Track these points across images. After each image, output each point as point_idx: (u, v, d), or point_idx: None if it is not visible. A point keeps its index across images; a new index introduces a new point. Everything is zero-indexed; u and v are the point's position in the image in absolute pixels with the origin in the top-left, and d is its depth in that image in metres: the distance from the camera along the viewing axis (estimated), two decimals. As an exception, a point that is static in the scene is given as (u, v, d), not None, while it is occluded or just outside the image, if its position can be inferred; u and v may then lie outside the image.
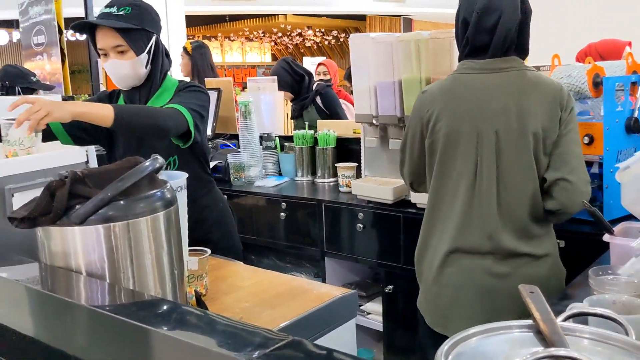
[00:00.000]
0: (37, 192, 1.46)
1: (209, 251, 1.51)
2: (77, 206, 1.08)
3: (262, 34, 13.39)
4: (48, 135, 1.85)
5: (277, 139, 3.27)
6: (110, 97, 2.03)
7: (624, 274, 1.16)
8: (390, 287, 2.53)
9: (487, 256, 1.66)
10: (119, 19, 1.79)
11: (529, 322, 0.93)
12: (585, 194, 1.62)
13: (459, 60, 1.74)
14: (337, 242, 2.68)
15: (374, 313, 2.70)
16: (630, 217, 2.01)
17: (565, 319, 0.95)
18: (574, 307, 1.02)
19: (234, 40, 13.47)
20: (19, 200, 1.42)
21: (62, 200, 1.06)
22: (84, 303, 1.01)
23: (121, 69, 1.83)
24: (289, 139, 3.30)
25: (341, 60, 12.63)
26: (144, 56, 1.84)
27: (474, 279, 1.67)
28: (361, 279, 2.91)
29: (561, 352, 0.79)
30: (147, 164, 1.16)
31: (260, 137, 3.23)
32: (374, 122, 2.47)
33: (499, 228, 1.64)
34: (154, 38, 1.87)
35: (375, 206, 2.52)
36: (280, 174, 3.26)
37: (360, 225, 2.55)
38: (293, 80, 3.74)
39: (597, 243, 1.93)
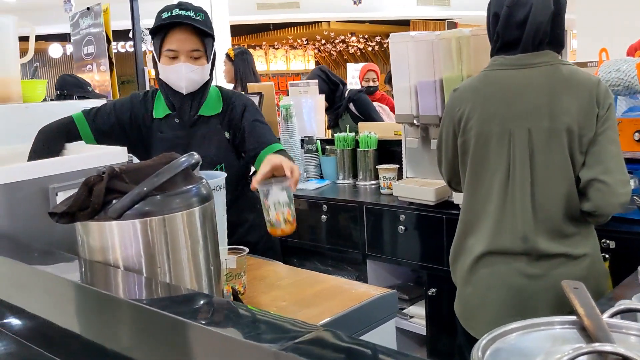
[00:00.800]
0: (80, 192, 1.50)
1: (247, 250, 1.51)
2: (114, 201, 1.10)
3: (306, 42, 13.47)
4: (75, 137, 1.87)
5: (319, 142, 3.27)
6: (145, 99, 1.97)
7: (677, 272, 1.10)
8: (434, 290, 2.49)
9: (521, 257, 1.61)
10: (200, 24, 1.78)
11: (573, 318, 0.89)
12: (622, 195, 1.54)
13: (491, 55, 1.69)
14: (378, 245, 2.65)
15: (417, 317, 2.65)
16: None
17: (611, 316, 0.90)
18: (622, 304, 0.97)
19: (278, 48, 13.60)
20: (62, 199, 1.45)
21: (99, 195, 1.07)
22: (122, 297, 1.02)
23: (193, 73, 1.80)
24: (330, 142, 3.29)
25: (385, 66, 12.57)
26: (209, 64, 1.84)
27: (506, 280, 1.63)
28: (403, 281, 2.87)
29: (606, 347, 0.75)
30: (183, 159, 1.17)
31: (302, 140, 3.23)
32: (415, 122, 2.43)
33: (533, 229, 1.58)
34: (215, 47, 1.88)
35: (417, 207, 2.48)
36: (321, 177, 3.26)
37: (402, 227, 2.51)
38: (329, 89, 3.73)
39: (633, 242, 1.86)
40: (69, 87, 3.75)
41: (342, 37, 12.92)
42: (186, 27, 1.77)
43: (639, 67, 1.89)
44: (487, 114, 1.63)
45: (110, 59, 4.36)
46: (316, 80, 3.51)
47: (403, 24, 12.16)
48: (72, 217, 1.10)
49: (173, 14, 1.78)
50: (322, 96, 3.49)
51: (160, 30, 1.82)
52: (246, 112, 1.90)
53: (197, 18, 1.79)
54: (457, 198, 2.33)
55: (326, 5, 11.01)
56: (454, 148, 1.74)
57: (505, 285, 1.62)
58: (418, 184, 2.47)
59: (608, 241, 1.74)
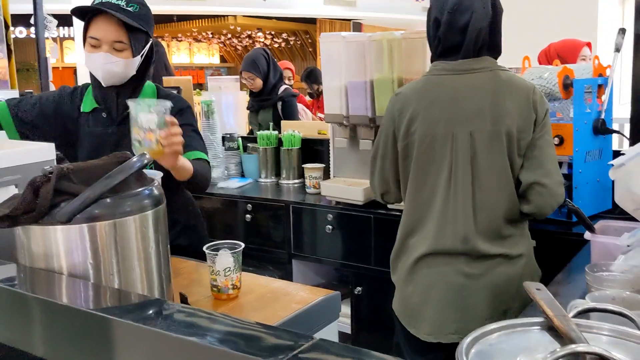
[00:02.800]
0: (5, 190, 1.37)
1: (243, 245, 1.49)
2: (62, 204, 1.01)
3: (211, 35, 13.20)
4: None
5: (240, 139, 3.21)
6: (74, 93, 1.89)
7: (617, 271, 1.18)
8: (360, 288, 2.52)
9: (460, 257, 1.65)
10: (128, 15, 1.69)
11: (541, 319, 0.92)
12: (559, 196, 1.63)
13: (432, 61, 1.71)
14: (304, 244, 2.64)
15: (342, 315, 2.66)
16: (596, 216, 2.07)
17: (574, 316, 0.94)
18: (577, 304, 1.02)
19: (181, 40, 13.23)
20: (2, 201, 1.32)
21: (46, 198, 0.98)
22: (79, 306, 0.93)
23: (112, 65, 1.71)
24: (252, 139, 3.24)
25: (291, 63, 12.60)
26: (137, 59, 1.75)
27: (446, 279, 1.66)
28: (327, 281, 2.88)
29: (580, 348, 0.78)
30: (135, 159, 1.10)
31: (223, 137, 3.16)
32: (344, 122, 2.44)
33: (474, 231, 1.63)
34: (150, 43, 1.79)
35: (345, 207, 2.49)
36: (243, 175, 3.20)
37: (330, 227, 2.52)
38: (268, 71, 3.68)
39: (566, 242, 1.98)
40: None
41: (249, 32, 12.78)
42: (112, 16, 1.68)
43: (559, 75, 2.01)
44: (431, 118, 1.65)
45: (8, 45, 4.03)
46: (237, 77, 3.45)
47: (310, 22, 12.24)
48: (14, 220, 1.00)
49: (103, 0, 1.69)
50: (244, 93, 3.43)
51: (86, 15, 1.72)
52: (178, 115, 1.81)
53: (129, 9, 1.70)
54: (386, 198, 2.36)
55: (233, -1, 10.84)
56: (393, 152, 1.74)
57: (446, 284, 1.65)
58: (346, 184, 2.48)
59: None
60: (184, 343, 0.71)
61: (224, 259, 1.52)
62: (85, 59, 1.76)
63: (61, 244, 1.04)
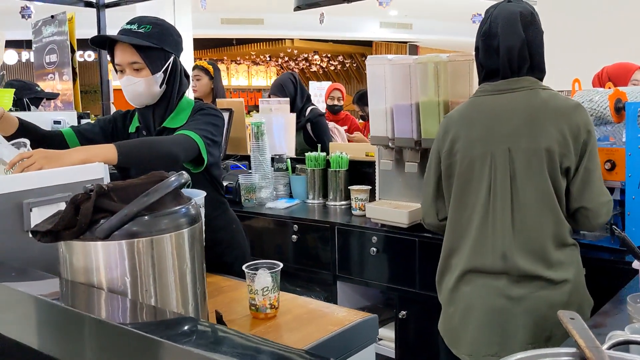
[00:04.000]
0: (55, 207, 1.44)
1: (281, 265, 1.52)
2: (102, 220, 1.06)
3: (269, 58, 13.50)
4: (59, 142, 1.87)
5: (289, 160, 3.25)
6: (125, 116, 2.03)
7: (662, 302, 1.13)
8: (404, 312, 2.49)
9: (501, 277, 1.65)
10: (138, 36, 1.78)
11: (573, 349, 0.89)
12: (603, 216, 1.64)
13: (479, 84, 1.77)
14: (349, 266, 2.64)
15: (386, 339, 2.64)
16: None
17: (609, 348, 0.91)
18: (615, 336, 0.98)
19: (240, 63, 13.59)
20: (37, 215, 1.39)
21: (87, 214, 1.03)
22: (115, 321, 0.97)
23: (135, 86, 1.81)
24: (300, 161, 3.28)
25: (347, 86, 12.70)
26: (159, 75, 1.83)
27: (486, 300, 1.66)
28: (373, 304, 2.86)
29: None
30: (173, 179, 1.14)
31: (272, 158, 3.21)
32: (390, 144, 2.45)
33: (513, 247, 1.63)
34: (172, 58, 1.86)
35: (389, 230, 2.48)
36: (291, 196, 3.24)
37: (374, 249, 2.51)
38: (295, 94, 3.74)
39: (618, 271, 1.91)
40: (18, 91, 3.64)
41: (305, 55, 13.01)
42: (124, 41, 1.78)
43: (610, 98, 1.95)
44: (471, 138, 1.69)
45: (74, 68, 4.25)
46: (288, 99, 3.50)
47: (366, 45, 12.35)
48: (56, 236, 1.05)
49: (120, 28, 1.82)
50: (293, 115, 3.48)
51: (105, 45, 1.83)
52: (197, 113, 1.88)
53: (140, 31, 1.79)
54: (431, 221, 2.34)
55: (290, 22, 11.06)
56: (435, 173, 1.79)
57: (486, 305, 1.65)
58: (391, 206, 2.47)
59: (580, 267, 1.78)
60: None
61: (263, 278, 1.54)
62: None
63: (100, 259, 1.08)
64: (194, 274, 1.18)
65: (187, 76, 1.97)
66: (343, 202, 3.01)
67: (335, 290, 2.68)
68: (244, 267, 1.57)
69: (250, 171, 3.19)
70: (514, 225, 1.62)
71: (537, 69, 1.69)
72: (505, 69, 1.67)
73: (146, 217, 1.10)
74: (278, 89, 3.69)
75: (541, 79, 1.70)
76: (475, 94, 1.75)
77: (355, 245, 2.61)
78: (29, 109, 3.69)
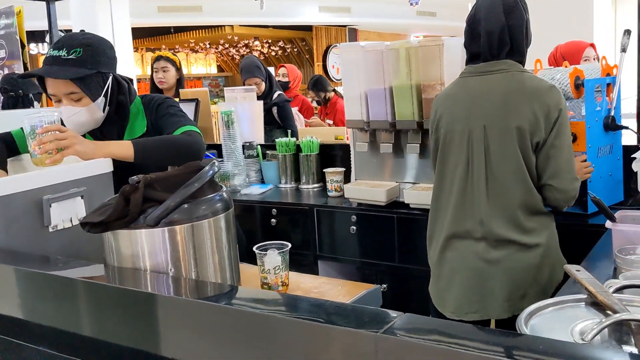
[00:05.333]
0: (72, 202, 1.49)
1: (289, 245, 1.61)
2: (149, 210, 1.13)
3: (208, 46, 13.32)
4: (15, 152, 1.80)
5: (259, 147, 3.32)
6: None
7: (643, 253, 1.30)
8: (385, 286, 2.63)
9: (480, 241, 1.81)
10: (70, 64, 1.66)
11: (584, 295, 1.04)
12: (571, 191, 1.79)
13: (465, 65, 1.91)
14: (329, 245, 2.76)
15: (367, 312, 2.78)
16: (610, 208, 2.19)
17: (613, 292, 1.06)
18: (613, 283, 1.14)
19: (178, 52, 13.33)
20: (56, 210, 1.44)
21: (137, 204, 1.10)
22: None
23: (77, 116, 1.71)
24: (270, 147, 3.36)
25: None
26: (100, 100, 1.73)
27: (468, 264, 1.83)
28: (353, 280, 2.98)
29: (624, 316, 0.90)
30: (207, 168, 1.21)
31: (243, 146, 3.27)
32: (365, 127, 2.57)
33: (489, 215, 1.79)
34: (110, 78, 1.75)
35: (368, 208, 2.61)
36: (263, 181, 3.32)
37: (354, 227, 2.64)
38: (267, 73, 3.84)
39: (583, 233, 2.10)
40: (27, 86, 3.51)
41: (246, 42, 12.91)
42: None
43: (571, 76, 2.13)
44: (453, 115, 1.86)
45: (24, 63, 4.15)
46: (254, 87, 3.57)
47: (306, 29, 12.38)
48: (106, 226, 1.11)
49: (47, 55, 1.69)
50: (260, 103, 3.55)
51: (37, 76, 1.74)
52: (159, 108, 1.83)
53: (71, 57, 1.66)
54: (407, 198, 2.48)
55: (230, 9, 10.95)
56: (432, 146, 1.97)
57: (467, 268, 1.82)
58: (368, 186, 2.60)
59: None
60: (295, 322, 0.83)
61: (273, 258, 1.63)
62: None
63: (146, 246, 1.15)
64: (230, 256, 1.26)
65: (131, 81, 1.88)
66: (316, 185, 3.12)
67: (316, 269, 2.80)
68: (254, 248, 1.66)
69: (220, 159, 3.25)
70: (489, 195, 1.79)
71: (517, 53, 1.83)
72: (486, 52, 1.81)
73: (185, 205, 1.18)
74: (257, 70, 3.75)
75: (521, 62, 1.84)
76: (460, 74, 1.90)
77: (335, 225, 2.73)
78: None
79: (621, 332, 0.88)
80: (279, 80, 4.76)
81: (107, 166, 1.62)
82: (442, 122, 1.89)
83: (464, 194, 1.83)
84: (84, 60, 1.68)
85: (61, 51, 1.67)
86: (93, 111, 1.73)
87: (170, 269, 1.17)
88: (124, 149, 1.63)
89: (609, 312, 0.97)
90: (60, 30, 4.35)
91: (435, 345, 0.69)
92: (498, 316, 1.78)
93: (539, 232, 1.82)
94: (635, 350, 0.83)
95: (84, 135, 1.77)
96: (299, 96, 4.93)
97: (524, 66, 1.85)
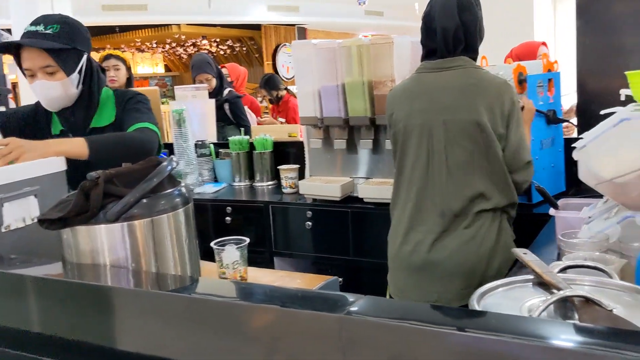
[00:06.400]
0: (25, 201, 1.47)
1: (248, 240, 1.63)
2: (109, 205, 1.13)
3: (155, 45, 13.11)
4: None
5: (212, 145, 3.31)
6: (36, 110, 1.91)
7: (584, 238, 1.38)
8: (341, 279, 2.67)
9: (440, 233, 1.87)
10: (47, 38, 1.71)
11: (531, 276, 1.11)
12: (529, 176, 1.90)
13: (421, 62, 1.95)
14: (285, 242, 2.78)
15: (323, 306, 2.82)
16: (553, 197, 2.30)
17: (558, 272, 1.13)
18: (557, 264, 1.21)
19: (124, 51, 13.06)
20: (9, 210, 1.41)
21: (97, 200, 1.10)
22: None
23: (51, 90, 1.74)
24: (223, 145, 3.35)
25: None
26: (74, 76, 1.77)
27: (426, 255, 1.89)
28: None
29: (568, 292, 0.97)
30: (166, 164, 1.22)
31: (195, 144, 3.26)
32: (319, 124, 2.60)
33: (449, 206, 1.85)
34: (85, 57, 1.80)
35: (323, 204, 2.65)
36: (216, 180, 3.31)
37: (309, 223, 2.67)
38: (218, 70, 3.82)
39: (528, 221, 2.20)
40: None
41: (194, 40, 12.76)
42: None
43: (514, 72, 2.23)
44: (411, 110, 1.90)
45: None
46: (205, 85, 3.55)
47: (254, 28, 12.34)
48: (65, 222, 1.11)
49: (25, 30, 1.73)
50: (212, 101, 3.54)
51: (13, 50, 1.76)
52: (129, 102, 1.87)
53: (48, 31, 1.71)
54: (361, 193, 2.54)
55: (176, 7, 10.80)
56: (392, 139, 2.01)
57: (426, 260, 1.88)
58: (323, 182, 2.64)
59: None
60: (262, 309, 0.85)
61: (231, 253, 1.65)
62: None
63: (106, 241, 1.15)
64: (190, 251, 1.27)
65: (104, 71, 1.93)
66: (270, 182, 3.14)
67: (272, 266, 2.82)
68: (212, 244, 1.67)
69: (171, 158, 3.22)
70: (449, 187, 1.85)
71: (472, 50, 1.89)
72: (442, 49, 1.86)
73: (144, 200, 1.18)
74: (207, 66, 3.73)
75: (475, 59, 1.91)
76: (416, 70, 1.95)
77: (290, 221, 2.75)
78: None
79: (565, 307, 0.94)
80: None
81: (60, 165, 1.59)
82: (400, 117, 1.93)
83: (424, 188, 1.89)
84: (60, 35, 1.73)
85: (39, 26, 1.72)
86: (67, 86, 1.76)
87: (130, 264, 1.17)
88: (77, 146, 1.62)
89: (554, 290, 1.03)
90: (3, 30, 4.22)
91: (395, 323, 0.73)
92: (458, 304, 1.85)
93: (497, 222, 1.89)
94: (577, 322, 0.89)
95: (58, 114, 1.81)
96: (246, 96, 4.93)
97: (476, 61, 1.92)
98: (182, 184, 1.29)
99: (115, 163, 1.60)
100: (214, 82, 3.81)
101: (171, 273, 1.23)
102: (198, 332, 0.93)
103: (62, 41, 1.73)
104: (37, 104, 1.96)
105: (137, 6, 10.78)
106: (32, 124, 1.91)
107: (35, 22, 1.73)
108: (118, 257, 1.17)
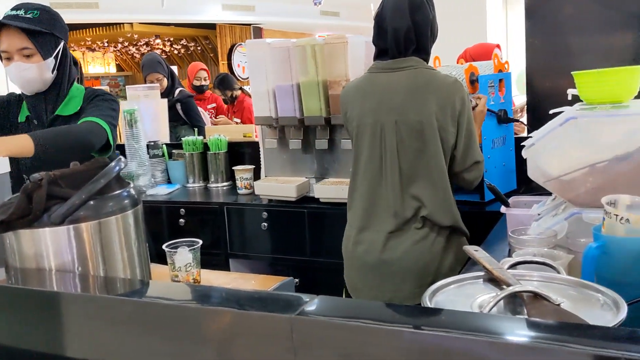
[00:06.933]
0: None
1: (200, 242, 1.61)
2: (54, 207, 1.09)
3: (106, 44, 12.82)
4: None
5: (164, 146, 3.26)
6: (9, 100, 1.97)
7: (533, 234, 1.41)
8: (297, 280, 2.66)
9: (391, 233, 1.88)
10: (27, 22, 1.76)
11: (481, 273, 1.12)
12: (479, 173, 1.92)
13: (373, 61, 1.96)
14: (241, 243, 2.75)
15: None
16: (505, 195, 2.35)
17: (507, 268, 1.15)
18: (507, 261, 1.23)
19: (74, 50, 12.74)
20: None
21: (41, 202, 1.06)
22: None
23: (27, 72, 1.79)
24: (176, 146, 3.30)
25: (188, 67, 12.48)
26: (50, 61, 1.82)
27: (379, 255, 1.89)
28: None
29: (517, 288, 0.98)
30: (114, 164, 1.19)
31: (147, 145, 3.20)
32: (274, 124, 2.58)
33: (402, 206, 1.86)
34: (62, 44, 1.86)
35: (278, 204, 2.63)
36: (169, 181, 3.25)
37: (265, 224, 2.65)
38: (170, 70, 3.77)
39: (481, 219, 2.24)
40: None
41: (147, 40, 12.54)
42: (13, 27, 1.76)
43: (466, 72, 2.26)
44: (364, 109, 1.90)
45: None
46: (157, 85, 3.49)
47: (209, 27, 12.21)
48: (8, 226, 1.06)
49: (4, 15, 1.79)
50: (164, 101, 3.48)
51: None
52: (94, 99, 1.91)
53: (28, 16, 1.77)
54: (317, 193, 2.53)
55: (128, 6, 10.58)
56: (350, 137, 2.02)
57: (378, 260, 1.89)
58: (279, 182, 2.62)
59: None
60: (213, 311, 0.84)
61: (184, 255, 1.62)
62: (6, 74, 1.84)
63: (51, 245, 1.11)
64: (140, 253, 1.24)
65: (76, 63, 1.96)
66: (225, 184, 3.10)
67: (228, 268, 2.78)
68: (164, 247, 1.64)
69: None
70: (402, 185, 1.86)
71: (423, 51, 1.90)
72: (393, 50, 1.87)
73: (92, 202, 1.15)
74: (158, 66, 3.67)
75: (426, 60, 1.92)
76: (368, 70, 1.95)
77: (245, 223, 2.73)
78: None
79: (515, 303, 0.96)
80: (201, 85, 4.68)
81: (3, 167, 1.54)
82: (353, 116, 1.93)
83: (377, 188, 1.89)
84: (40, 20, 1.78)
85: (19, 11, 1.78)
86: (42, 70, 1.81)
87: (77, 268, 1.14)
88: (23, 142, 1.62)
89: (504, 286, 1.05)
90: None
91: (346, 322, 0.72)
92: (412, 302, 1.86)
93: (446, 220, 1.91)
94: (526, 317, 0.91)
95: (29, 100, 1.88)
96: (212, 94, 4.88)
97: (427, 62, 1.92)
98: (131, 185, 1.25)
99: (61, 158, 1.59)
100: (165, 82, 3.75)
101: (120, 277, 1.20)
102: (147, 337, 0.91)
103: (41, 25, 1.78)
104: (11, 93, 2.02)
105: (87, 4, 10.51)
106: (4, 113, 1.95)
107: (15, 8, 1.78)
108: (64, 261, 1.13)
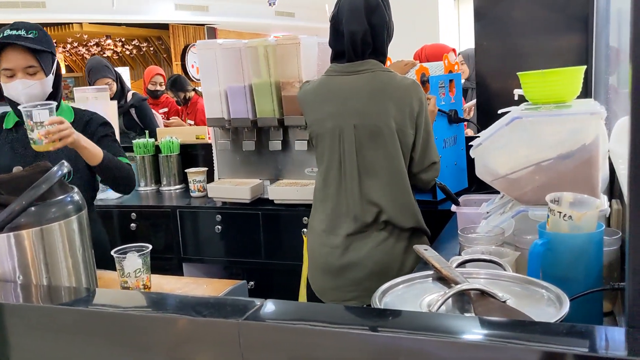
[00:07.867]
0: None
1: (150, 246, 1.57)
2: (-8, 215, 1.05)
3: (55, 44, 12.47)
4: None
5: (115, 149, 3.18)
6: (2, 117, 2.04)
7: (482, 232, 1.43)
8: (252, 283, 2.65)
9: (353, 235, 1.88)
10: (30, 42, 1.85)
11: (430, 272, 1.13)
12: (435, 174, 1.94)
13: (331, 63, 1.94)
14: (194, 247, 2.71)
15: (235, 310, 2.78)
16: (456, 193, 2.39)
17: (456, 267, 1.16)
18: (456, 259, 1.25)
19: (22, 51, 12.33)
20: None
21: (-23, 210, 1.02)
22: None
23: (31, 88, 1.88)
24: (126, 148, 3.22)
25: (145, 70, 12.27)
26: (50, 77, 1.91)
27: (341, 257, 1.90)
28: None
29: (465, 286, 1.00)
30: (56, 169, 1.15)
31: (97, 148, 3.11)
32: (227, 125, 2.56)
33: (362, 210, 1.86)
34: (56, 60, 1.96)
35: (232, 206, 2.61)
36: (121, 185, 3.18)
37: (219, 227, 2.62)
38: (116, 75, 3.66)
39: (434, 218, 2.27)
40: None
41: (97, 40, 12.26)
42: (18, 46, 1.84)
43: (417, 73, 2.29)
44: (322, 113, 1.89)
45: None
46: (107, 87, 3.40)
47: (162, 28, 12.02)
48: (-59, 236, 1.02)
49: (4, 34, 1.86)
50: (114, 103, 3.39)
51: None
52: (102, 127, 2.05)
53: (29, 36, 1.87)
54: (271, 194, 2.52)
55: (77, 5, 10.33)
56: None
57: (341, 262, 1.89)
58: (232, 184, 2.60)
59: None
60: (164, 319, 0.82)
61: (133, 261, 1.58)
62: (4, 89, 1.92)
63: (-10, 254, 1.07)
64: (85, 260, 1.21)
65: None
66: (178, 186, 3.05)
67: (181, 272, 2.74)
68: (112, 252, 1.61)
69: (73, 163, 3.07)
70: (361, 190, 1.86)
71: (380, 53, 1.89)
72: (350, 53, 1.85)
73: (33, 208, 1.11)
74: (107, 70, 3.55)
75: (383, 62, 1.91)
76: (326, 72, 1.93)
77: (199, 226, 2.69)
78: None
79: (462, 301, 0.97)
80: (156, 90, 4.59)
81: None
82: (312, 119, 1.93)
83: (339, 191, 1.89)
84: (40, 40, 1.88)
85: (20, 31, 1.86)
86: (44, 85, 1.90)
87: (18, 277, 1.10)
88: (97, 150, 1.84)
89: (452, 284, 1.06)
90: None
91: (294, 326, 0.72)
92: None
93: (406, 222, 1.91)
94: (473, 315, 0.92)
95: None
96: (167, 98, 4.80)
97: (384, 64, 1.92)
98: (75, 190, 1.22)
99: (113, 185, 2.00)
100: (114, 86, 3.63)
101: (64, 285, 1.17)
102: (93, 346, 0.89)
103: (42, 45, 1.88)
104: None
105: (34, 3, 10.22)
106: None
107: (15, 28, 1.87)
108: (4, 270, 1.09)
